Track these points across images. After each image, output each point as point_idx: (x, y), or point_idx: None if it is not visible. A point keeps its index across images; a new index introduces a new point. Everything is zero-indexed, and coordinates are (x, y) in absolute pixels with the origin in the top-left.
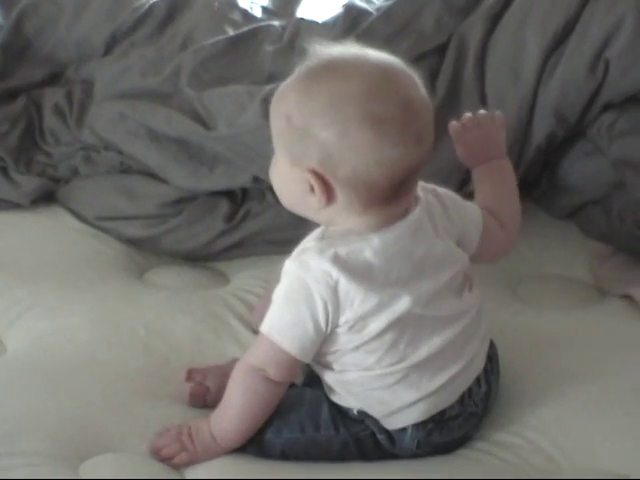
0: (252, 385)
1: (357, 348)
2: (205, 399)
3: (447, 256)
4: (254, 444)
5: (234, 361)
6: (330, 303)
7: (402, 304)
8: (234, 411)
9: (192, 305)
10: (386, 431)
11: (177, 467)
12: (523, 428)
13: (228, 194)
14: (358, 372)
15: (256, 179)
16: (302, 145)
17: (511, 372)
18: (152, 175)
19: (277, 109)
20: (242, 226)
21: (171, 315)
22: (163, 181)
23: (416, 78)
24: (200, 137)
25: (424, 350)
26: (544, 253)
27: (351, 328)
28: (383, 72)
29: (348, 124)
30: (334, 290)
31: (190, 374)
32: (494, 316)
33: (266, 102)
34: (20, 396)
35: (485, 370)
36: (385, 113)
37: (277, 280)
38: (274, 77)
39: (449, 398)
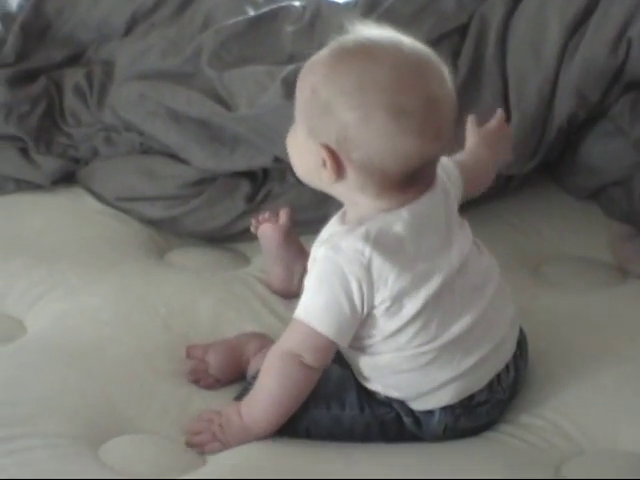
0: (288, 371)
1: (396, 332)
2: (209, 375)
3: (462, 220)
4: None
5: (240, 336)
6: (364, 282)
7: (436, 279)
8: (268, 398)
9: (212, 285)
10: (413, 414)
11: (207, 454)
12: (545, 410)
13: (249, 175)
14: (390, 354)
15: (277, 159)
16: (322, 120)
17: (533, 353)
18: (172, 156)
19: (305, 79)
20: (263, 207)
21: (192, 295)
22: (184, 162)
23: (446, 73)
24: (221, 118)
25: (456, 328)
26: (565, 234)
27: (388, 310)
28: (415, 63)
29: (371, 110)
30: (367, 269)
31: (189, 351)
32: (515, 298)
33: (287, 82)
34: (40, 377)
35: (514, 356)
36: (409, 105)
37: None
38: (295, 57)
39: (479, 382)
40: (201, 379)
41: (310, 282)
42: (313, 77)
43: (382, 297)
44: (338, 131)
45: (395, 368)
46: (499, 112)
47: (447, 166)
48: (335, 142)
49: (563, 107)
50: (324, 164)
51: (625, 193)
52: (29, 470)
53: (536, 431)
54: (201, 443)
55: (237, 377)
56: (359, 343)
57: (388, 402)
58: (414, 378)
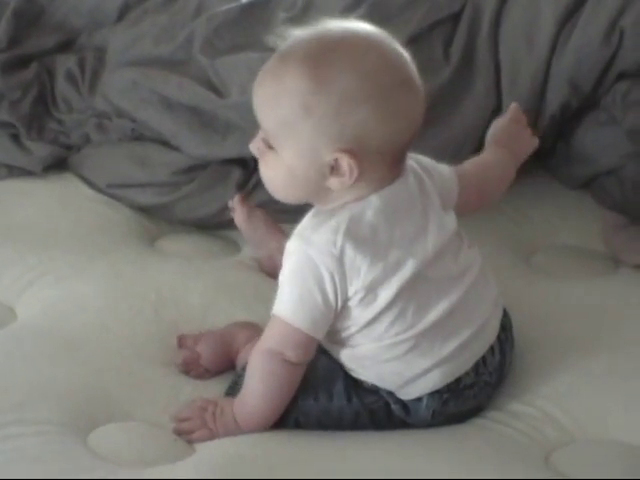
0: (271, 369)
1: (371, 322)
2: (200, 365)
3: (442, 215)
4: None
5: (230, 326)
6: (337, 274)
7: (409, 267)
8: (256, 397)
9: (203, 273)
10: (401, 401)
11: (194, 442)
12: (536, 397)
13: (240, 162)
14: (368, 345)
15: None
16: (332, 128)
17: (524, 342)
18: (164, 143)
19: (280, 102)
20: (254, 194)
21: (182, 282)
22: (175, 149)
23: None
24: (213, 105)
25: (432, 315)
26: (558, 223)
27: (362, 300)
28: (387, 47)
29: (374, 100)
30: (339, 260)
31: (180, 341)
32: (508, 286)
33: None
34: (30, 364)
35: (499, 339)
36: (397, 88)
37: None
38: None
39: (463, 365)
40: (192, 370)
41: (283, 276)
42: (296, 98)
43: (355, 288)
44: (354, 129)
45: (375, 358)
46: (513, 106)
47: (437, 168)
48: (354, 142)
49: (556, 96)
50: (333, 171)
51: (617, 182)
52: (18, 457)
53: (526, 419)
54: (190, 430)
55: (227, 367)
56: (337, 336)
57: (376, 390)
58: (396, 367)
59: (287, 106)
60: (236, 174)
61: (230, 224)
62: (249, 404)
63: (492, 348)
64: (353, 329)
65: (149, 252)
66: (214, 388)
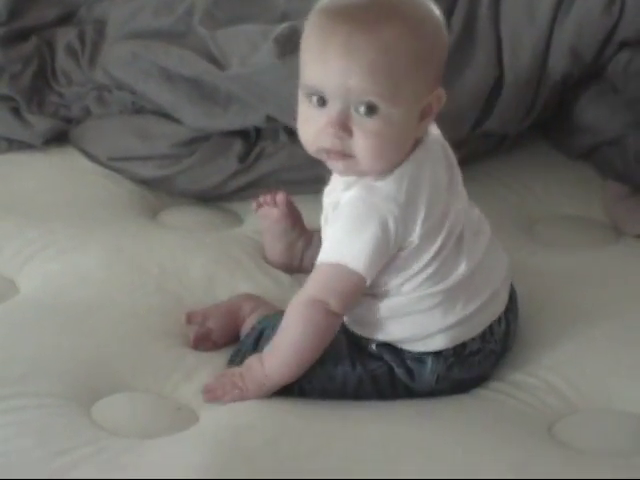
0: (312, 318)
1: (415, 274)
2: (210, 340)
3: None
4: None
5: (235, 298)
6: (400, 221)
7: (452, 217)
8: (291, 345)
9: (205, 245)
10: (405, 365)
11: (226, 403)
12: (539, 368)
13: (241, 134)
14: (399, 297)
15: (269, 118)
16: (429, 72)
17: (527, 312)
18: (165, 115)
19: (391, 60)
20: (256, 166)
21: (184, 255)
22: (176, 121)
23: None
24: (213, 77)
25: (461, 269)
26: (560, 193)
27: (414, 250)
28: None
29: (444, 39)
30: (403, 207)
31: (189, 317)
32: (510, 256)
33: (279, 41)
34: (33, 337)
35: (505, 308)
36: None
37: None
38: (287, 16)
39: (473, 330)
40: (202, 344)
41: (341, 224)
42: (405, 51)
43: (412, 237)
44: (438, 67)
45: (401, 311)
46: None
47: None
48: (435, 81)
49: (557, 66)
50: (428, 111)
51: (619, 152)
52: (21, 430)
53: (529, 389)
54: (221, 395)
55: (234, 339)
56: (371, 286)
57: (379, 355)
58: (417, 321)
59: (398, 61)
60: (237, 146)
61: (231, 196)
62: (282, 353)
63: (499, 317)
64: (394, 281)
65: (151, 225)
66: (217, 358)
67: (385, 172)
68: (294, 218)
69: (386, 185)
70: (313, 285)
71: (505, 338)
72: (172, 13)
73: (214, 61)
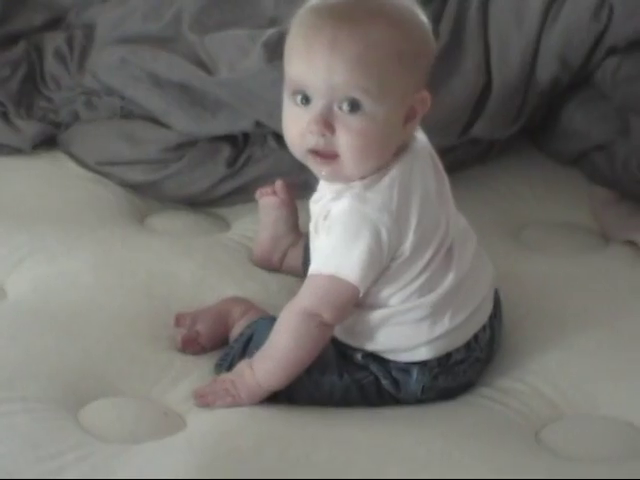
0: (305, 330)
1: (408, 283)
2: (198, 343)
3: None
4: None
5: (224, 302)
6: (393, 231)
7: (442, 225)
8: (283, 356)
9: (193, 250)
10: (391, 376)
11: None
12: (525, 374)
13: (230, 139)
14: (386, 309)
15: (258, 124)
16: (415, 72)
17: (514, 318)
18: (154, 120)
19: (376, 56)
20: (244, 171)
21: (172, 260)
22: (165, 126)
23: None
24: (202, 82)
25: (449, 280)
26: (547, 199)
27: (406, 260)
28: None
29: (431, 43)
30: (395, 216)
31: (178, 319)
32: (497, 262)
33: (268, 46)
34: (21, 341)
35: (490, 315)
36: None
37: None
38: (276, 21)
39: (459, 340)
40: (189, 348)
41: (334, 236)
42: (391, 49)
43: (405, 246)
44: (426, 68)
45: (389, 322)
46: None
47: None
48: (420, 83)
49: (545, 72)
50: (412, 115)
51: (607, 158)
52: (8, 434)
53: (516, 395)
54: (213, 400)
55: (222, 343)
56: (362, 297)
57: (366, 366)
58: (405, 333)
59: (383, 58)
60: (225, 151)
61: (219, 201)
62: (274, 360)
63: (483, 325)
64: (384, 292)
65: (139, 230)
66: (205, 363)
67: (370, 177)
68: (291, 209)
69: (377, 194)
70: (307, 297)
71: (490, 345)
72: (161, 18)
73: (203, 66)
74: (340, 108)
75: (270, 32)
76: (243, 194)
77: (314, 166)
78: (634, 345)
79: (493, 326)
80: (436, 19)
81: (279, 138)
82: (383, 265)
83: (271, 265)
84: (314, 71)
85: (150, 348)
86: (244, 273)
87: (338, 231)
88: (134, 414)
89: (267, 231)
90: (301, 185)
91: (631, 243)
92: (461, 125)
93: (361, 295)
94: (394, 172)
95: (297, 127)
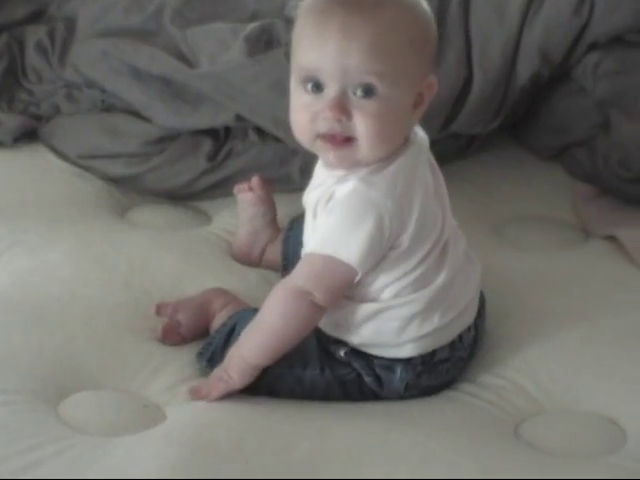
0: (295, 308)
1: (401, 276)
2: (178, 334)
3: None
4: None
5: (205, 293)
6: (395, 217)
7: (439, 220)
8: (270, 332)
9: (174, 243)
10: (374, 373)
11: (216, 399)
12: (507, 369)
13: (211, 133)
14: (376, 303)
15: (239, 118)
16: (423, 55)
17: (495, 313)
18: (135, 113)
19: (389, 42)
20: (225, 165)
21: (153, 253)
22: (146, 119)
23: None
24: (183, 75)
25: (442, 277)
26: (528, 194)
27: (404, 251)
28: None
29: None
30: (399, 203)
31: (159, 309)
32: (478, 258)
33: (249, 40)
34: (0, 334)
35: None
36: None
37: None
38: (258, 15)
39: (446, 338)
40: (169, 337)
41: (336, 217)
42: (403, 35)
43: (404, 236)
44: (432, 55)
45: (378, 316)
46: None
47: None
48: (428, 69)
49: (526, 67)
50: (420, 101)
51: (588, 153)
52: None
53: (497, 390)
54: (208, 391)
55: (202, 334)
56: (355, 288)
57: (348, 362)
58: (393, 329)
59: (396, 43)
60: (207, 145)
61: (200, 195)
62: (260, 335)
63: (469, 326)
64: (378, 283)
65: (120, 223)
66: (185, 354)
67: (377, 164)
68: (268, 204)
69: (382, 179)
70: (301, 275)
71: (473, 344)
72: (142, 11)
73: (184, 59)
74: (354, 93)
75: (252, 26)
76: (224, 188)
77: (323, 151)
78: (614, 340)
79: (477, 325)
80: None
81: (260, 132)
82: (382, 252)
83: (250, 260)
84: (328, 56)
85: (130, 340)
86: (224, 267)
87: (340, 213)
88: (114, 407)
89: (245, 227)
90: (281, 179)
91: (612, 238)
92: (442, 120)
93: (357, 280)
94: (400, 160)
95: (307, 113)
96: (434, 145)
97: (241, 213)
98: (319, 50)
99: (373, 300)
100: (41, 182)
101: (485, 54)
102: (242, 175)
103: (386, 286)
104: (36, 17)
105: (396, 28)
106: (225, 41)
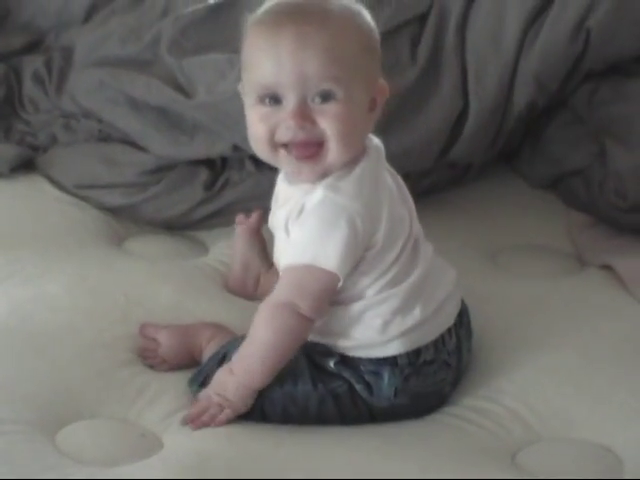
0: (282, 321)
1: (380, 275)
2: (157, 355)
3: None
4: None
5: (195, 323)
6: (366, 220)
7: (406, 220)
8: (263, 349)
9: (171, 274)
10: (364, 380)
11: (223, 424)
12: (501, 395)
13: (207, 162)
14: (361, 301)
15: (236, 147)
16: (374, 59)
17: (489, 340)
18: (131, 143)
19: (346, 47)
20: (221, 195)
21: (150, 284)
22: (143, 149)
23: None
24: (180, 105)
25: (416, 273)
26: (524, 222)
27: (379, 252)
28: None
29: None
30: (368, 206)
31: (143, 329)
32: (473, 285)
33: None
34: None
35: (455, 323)
36: None
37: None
38: None
39: (428, 335)
40: (149, 357)
41: (309, 226)
42: (358, 40)
43: (377, 236)
44: (378, 59)
45: (364, 314)
46: None
47: None
48: (377, 73)
49: (522, 96)
50: (374, 105)
51: (584, 182)
52: None
53: (493, 417)
54: (210, 420)
55: (185, 362)
56: (338, 293)
57: (338, 373)
58: (379, 325)
59: (349, 48)
60: (203, 175)
61: (197, 225)
62: (254, 355)
63: (449, 329)
64: (360, 284)
65: (116, 253)
66: (181, 383)
67: (341, 170)
68: (256, 235)
69: (348, 184)
70: (283, 288)
71: (458, 354)
72: (139, 41)
73: (181, 89)
74: (313, 101)
75: None
76: (221, 218)
77: (287, 162)
78: (609, 368)
79: (459, 335)
80: (414, 42)
81: (257, 162)
82: (359, 253)
83: (246, 292)
84: (284, 67)
85: (126, 371)
86: (221, 297)
87: (313, 222)
88: (111, 436)
89: (238, 259)
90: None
91: (607, 267)
92: (438, 148)
93: (340, 284)
94: (363, 164)
95: (266, 125)
96: (430, 173)
97: (236, 245)
98: (275, 62)
99: (357, 300)
100: (38, 212)
101: (481, 84)
102: (239, 205)
103: (367, 287)
104: (33, 47)
105: (346, 34)
106: (222, 71)
